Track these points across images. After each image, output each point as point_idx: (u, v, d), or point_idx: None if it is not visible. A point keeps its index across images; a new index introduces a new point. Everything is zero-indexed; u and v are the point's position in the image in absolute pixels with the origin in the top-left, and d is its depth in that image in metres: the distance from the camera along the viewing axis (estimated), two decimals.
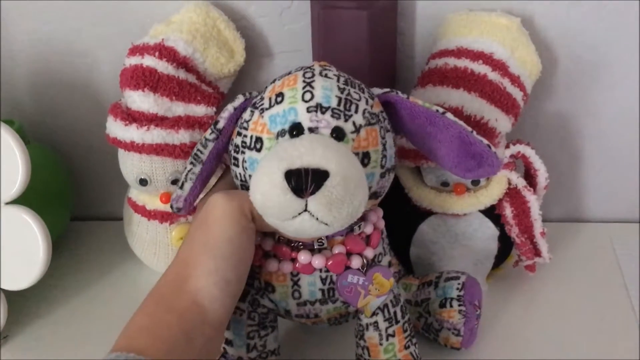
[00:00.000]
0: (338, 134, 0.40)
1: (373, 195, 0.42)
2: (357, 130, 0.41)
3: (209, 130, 0.44)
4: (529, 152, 0.55)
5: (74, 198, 0.67)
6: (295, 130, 0.40)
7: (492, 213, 0.55)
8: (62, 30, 0.62)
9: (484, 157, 0.44)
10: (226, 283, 0.40)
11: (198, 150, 0.44)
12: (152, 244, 0.59)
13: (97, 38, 0.62)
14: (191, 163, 0.45)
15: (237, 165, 0.43)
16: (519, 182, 0.54)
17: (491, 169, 0.44)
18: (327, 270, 0.44)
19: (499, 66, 0.53)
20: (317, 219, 0.38)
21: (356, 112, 0.41)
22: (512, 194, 0.55)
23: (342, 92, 0.41)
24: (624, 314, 0.56)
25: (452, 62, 0.54)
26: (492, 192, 0.54)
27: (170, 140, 0.53)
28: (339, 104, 0.41)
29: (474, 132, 0.43)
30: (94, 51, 0.63)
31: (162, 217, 0.57)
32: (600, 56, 0.60)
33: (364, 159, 0.41)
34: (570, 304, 0.57)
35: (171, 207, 0.46)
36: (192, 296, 0.40)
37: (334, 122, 0.40)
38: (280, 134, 0.41)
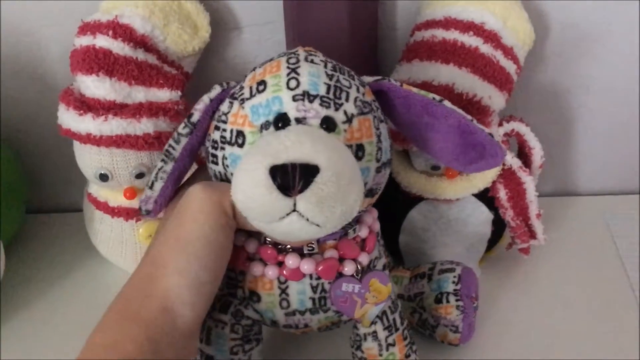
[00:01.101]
0: (328, 125, 0.36)
1: (369, 193, 0.39)
2: (349, 120, 0.37)
3: (182, 124, 0.40)
4: (523, 129, 0.52)
5: (28, 190, 0.62)
6: (281, 121, 0.36)
7: (486, 196, 0.52)
8: (3, 6, 0.56)
9: (487, 148, 0.40)
10: (199, 285, 0.37)
11: (170, 146, 0.40)
12: (117, 243, 0.54)
13: (43, 14, 0.57)
14: (162, 160, 0.40)
15: (217, 163, 0.39)
16: (514, 162, 0.51)
17: (494, 160, 0.41)
18: (319, 277, 0.40)
19: (491, 37, 0.49)
20: (307, 219, 0.34)
21: (347, 100, 0.37)
22: (507, 175, 0.52)
23: (330, 79, 0.37)
24: (621, 287, 0.55)
25: (440, 34, 0.50)
26: (485, 174, 0.51)
27: (131, 130, 0.48)
28: (328, 92, 0.36)
29: (475, 121, 0.40)
30: (39, 29, 0.58)
31: (127, 213, 0.53)
32: (591, 25, 0.57)
33: (358, 151, 0.37)
34: (566, 280, 0.56)
35: (140, 209, 0.42)
36: (160, 301, 0.36)
37: (324, 112, 0.36)
38: (264, 126, 0.36)
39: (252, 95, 0.37)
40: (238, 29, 0.57)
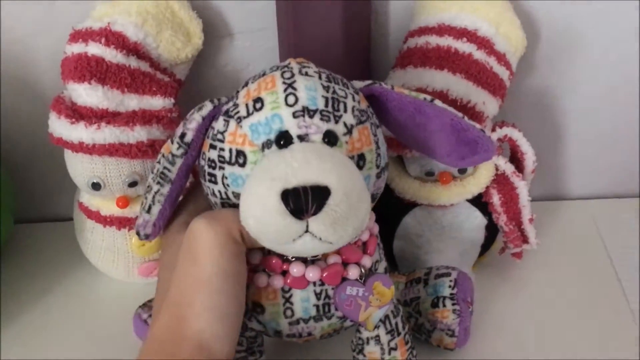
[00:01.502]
0: (330, 139, 0.36)
1: (370, 198, 0.38)
2: (349, 131, 0.37)
3: (176, 145, 0.39)
4: (516, 134, 0.53)
5: (16, 200, 0.61)
6: (283, 139, 0.36)
7: (479, 201, 0.52)
8: None
9: (479, 143, 0.41)
10: (227, 317, 0.37)
11: (165, 168, 0.39)
12: (109, 252, 0.54)
13: (33, 22, 0.56)
14: (158, 183, 0.40)
15: (215, 182, 0.38)
16: (507, 167, 0.52)
17: (486, 154, 0.41)
18: (322, 284, 0.40)
19: (485, 44, 0.50)
20: (320, 239, 0.34)
21: (345, 111, 0.37)
22: (500, 180, 0.52)
23: (327, 91, 0.37)
24: (612, 290, 0.56)
25: (433, 40, 0.50)
26: (479, 179, 0.51)
27: (125, 139, 0.48)
28: (326, 105, 0.36)
29: (466, 118, 0.41)
30: (30, 37, 0.57)
31: (119, 222, 0.52)
32: (581, 30, 0.58)
33: (360, 161, 0.37)
34: (557, 284, 0.56)
35: (138, 233, 0.40)
36: (195, 341, 0.36)
37: (325, 126, 0.36)
38: (266, 145, 0.36)
39: (249, 114, 0.37)
40: (230, 35, 0.57)
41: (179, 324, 0.36)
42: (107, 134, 0.47)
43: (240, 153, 0.37)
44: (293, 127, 0.36)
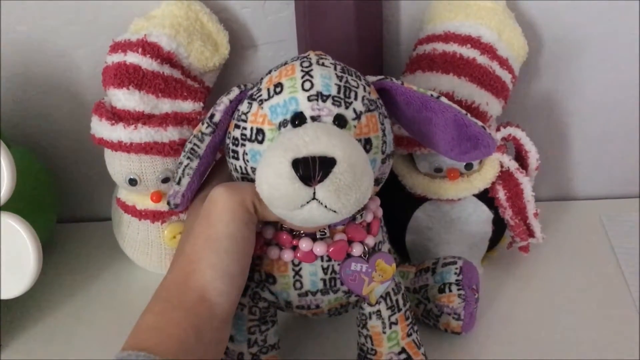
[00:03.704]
0: (340, 122, 0.40)
1: (375, 182, 0.42)
2: (357, 117, 0.41)
3: (205, 124, 0.43)
4: (519, 134, 0.55)
5: (58, 201, 0.66)
6: (298, 119, 0.40)
7: (486, 196, 0.55)
8: (38, 30, 0.61)
9: (480, 139, 0.44)
10: (230, 277, 0.41)
11: (195, 144, 0.44)
12: (144, 244, 0.58)
13: (75, 36, 0.61)
14: (188, 158, 0.44)
15: (237, 158, 0.42)
16: (511, 164, 0.55)
17: (487, 149, 0.44)
18: (329, 260, 0.44)
19: (488, 49, 0.53)
20: (325, 206, 0.38)
21: (355, 99, 0.41)
22: (505, 176, 0.55)
23: (340, 80, 0.41)
24: (617, 288, 0.57)
25: (440, 47, 0.53)
26: (485, 175, 0.54)
27: (158, 138, 0.52)
28: (338, 92, 0.40)
29: (469, 115, 0.44)
30: (72, 50, 0.62)
31: (153, 216, 0.56)
32: (582, 36, 0.60)
33: (366, 145, 0.41)
34: (564, 281, 0.58)
35: (168, 203, 0.45)
36: (198, 292, 0.40)
37: (336, 110, 0.40)
38: (282, 124, 0.40)
39: (270, 97, 0.41)
40: (254, 46, 0.61)
41: (187, 277, 0.40)
42: (143, 134, 0.52)
43: (259, 131, 0.41)
44: (307, 109, 0.40)
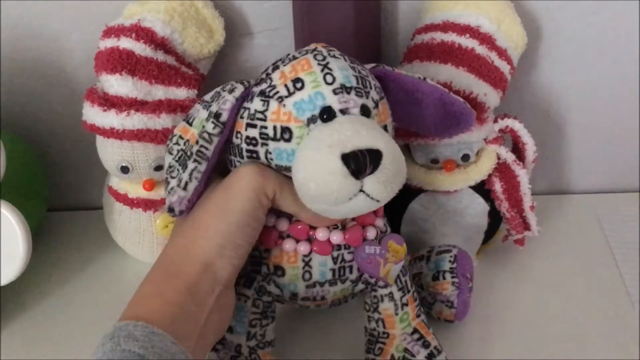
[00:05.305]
0: (364, 112, 0.40)
1: None
2: (376, 105, 0.41)
3: (211, 125, 0.42)
4: (517, 126, 0.55)
5: (49, 188, 0.65)
6: (326, 114, 0.40)
7: (482, 188, 0.55)
8: (29, 14, 0.60)
9: (462, 114, 0.47)
10: (236, 246, 0.41)
11: (202, 147, 0.42)
12: (135, 233, 0.57)
13: (67, 21, 0.60)
14: (195, 161, 0.42)
15: (257, 158, 0.42)
16: (508, 156, 0.54)
17: (467, 124, 0.48)
18: (339, 249, 0.44)
19: (486, 40, 0.52)
20: (371, 197, 0.38)
21: (370, 87, 0.41)
22: (502, 168, 0.54)
23: (355, 71, 0.41)
24: (613, 282, 0.57)
25: (438, 36, 0.53)
26: (481, 167, 0.54)
27: (151, 125, 0.51)
28: (358, 82, 0.41)
29: (451, 93, 0.46)
30: (64, 35, 0.61)
31: (145, 205, 0.55)
32: (582, 28, 0.60)
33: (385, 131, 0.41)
34: (559, 276, 0.58)
35: (171, 210, 0.42)
36: (200, 258, 0.40)
37: (360, 101, 0.40)
38: (311, 120, 0.40)
39: (290, 93, 0.40)
40: (250, 34, 0.60)
41: (190, 244, 0.40)
42: (136, 120, 0.51)
43: (285, 129, 0.40)
44: (335, 103, 0.40)
